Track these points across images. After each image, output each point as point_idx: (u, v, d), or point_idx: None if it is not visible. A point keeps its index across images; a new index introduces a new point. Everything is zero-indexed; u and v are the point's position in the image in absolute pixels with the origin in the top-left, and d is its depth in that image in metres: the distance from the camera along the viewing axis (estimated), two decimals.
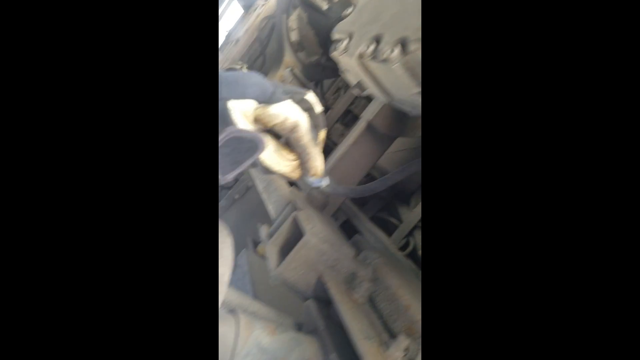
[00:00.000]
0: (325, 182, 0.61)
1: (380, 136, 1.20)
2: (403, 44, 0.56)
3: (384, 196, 1.50)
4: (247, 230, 1.36)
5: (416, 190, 1.46)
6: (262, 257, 1.57)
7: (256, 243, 1.39)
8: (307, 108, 0.56)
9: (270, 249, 0.81)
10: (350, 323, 0.62)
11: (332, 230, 0.79)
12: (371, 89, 0.71)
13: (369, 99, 1.68)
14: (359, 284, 0.72)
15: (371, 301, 0.74)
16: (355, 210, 1.34)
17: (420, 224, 1.38)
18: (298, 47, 1.45)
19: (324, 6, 1.33)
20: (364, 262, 0.79)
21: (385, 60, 0.58)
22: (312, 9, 1.35)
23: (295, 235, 0.81)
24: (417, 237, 1.38)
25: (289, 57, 1.48)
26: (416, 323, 0.64)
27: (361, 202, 1.52)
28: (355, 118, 1.67)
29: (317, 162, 0.58)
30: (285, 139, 0.57)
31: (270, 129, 0.55)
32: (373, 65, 0.65)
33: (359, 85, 0.74)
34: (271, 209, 0.96)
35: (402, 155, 1.42)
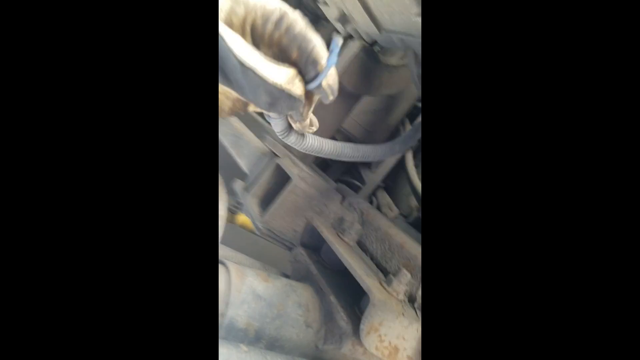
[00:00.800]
0: (333, 61, 0.42)
1: (345, 94, 1.17)
2: None
3: (346, 160, 1.49)
4: None
5: None
6: (232, 223, 1.49)
7: None
8: None
9: (251, 201, 0.76)
10: (351, 262, 0.60)
11: (318, 175, 0.76)
12: (356, 21, 0.67)
13: None
14: (349, 227, 0.70)
15: (360, 243, 0.73)
16: (320, 173, 1.31)
17: (382, 184, 1.40)
18: None
19: None
20: (349, 207, 0.77)
21: None
22: None
23: (278, 184, 0.76)
24: (380, 196, 1.39)
25: None
26: (413, 259, 0.63)
27: (324, 166, 1.50)
28: None
29: (321, 48, 0.42)
30: (276, 39, 0.42)
31: (258, 36, 0.41)
32: None
33: (342, 19, 0.71)
34: (243, 163, 0.90)
35: (366, 118, 1.41)
